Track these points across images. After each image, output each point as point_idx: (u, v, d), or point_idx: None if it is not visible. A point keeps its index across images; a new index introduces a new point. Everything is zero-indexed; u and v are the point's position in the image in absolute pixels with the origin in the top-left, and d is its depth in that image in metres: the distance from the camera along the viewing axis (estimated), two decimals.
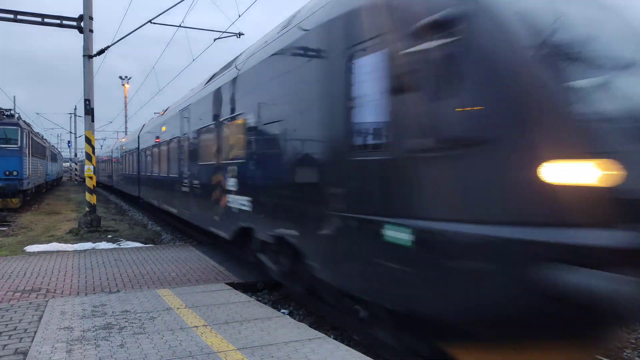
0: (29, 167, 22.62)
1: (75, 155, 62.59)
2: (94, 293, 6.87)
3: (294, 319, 6.25)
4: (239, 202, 8.09)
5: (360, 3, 4.91)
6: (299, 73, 6.10)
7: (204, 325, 5.31)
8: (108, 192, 39.89)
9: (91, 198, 14.56)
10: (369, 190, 4.69)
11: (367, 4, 4.81)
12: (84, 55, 14.44)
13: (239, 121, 8.23)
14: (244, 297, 6.64)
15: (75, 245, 11.29)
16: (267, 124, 7.02)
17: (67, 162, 73.42)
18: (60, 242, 11.72)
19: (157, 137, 16.34)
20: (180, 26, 16.36)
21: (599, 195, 3.27)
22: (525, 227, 3.40)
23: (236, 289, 7.17)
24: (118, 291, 6.96)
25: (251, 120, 7.69)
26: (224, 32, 16.34)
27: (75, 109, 59.73)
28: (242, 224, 8.01)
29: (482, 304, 3.65)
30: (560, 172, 3.34)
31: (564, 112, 3.43)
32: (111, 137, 60.61)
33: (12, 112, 23.17)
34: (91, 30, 14.48)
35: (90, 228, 14.00)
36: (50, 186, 41.48)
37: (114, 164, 31.62)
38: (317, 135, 5.63)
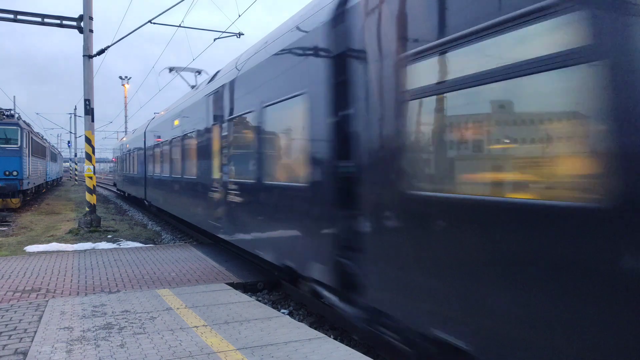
0: (29, 167, 22.62)
1: (75, 155, 62.59)
2: (94, 293, 6.87)
3: (294, 319, 6.26)
4: None
5: None
6: None
7: (204, 325, 5.32)
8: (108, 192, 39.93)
9: (91, 198, 14.57)
10: None
11: None
12: (84, 55, 14.45)
13: None
14: (244, 297, 6.64)
15: (75, 245, 11.29)
16: None
17: (67, 162, 73.42)
18: (60, 242, 11.72)
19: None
20: (180, 26, 16.38)
21: None
22: None
23: (236, 289, 7.17)
24: (118, 291, 6.96)
25: None
26: (224, 32, 16.34)
27: (75, 109, 59.82)
28: None
29: None
30: None
31: None
32: (111, 137, 60.56)
33: (12, 112, 23.19)
34: (91, 30, 14.49)
35: (90, 228, 14.01)
36: (51, 186, 41.50)
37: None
38: None
